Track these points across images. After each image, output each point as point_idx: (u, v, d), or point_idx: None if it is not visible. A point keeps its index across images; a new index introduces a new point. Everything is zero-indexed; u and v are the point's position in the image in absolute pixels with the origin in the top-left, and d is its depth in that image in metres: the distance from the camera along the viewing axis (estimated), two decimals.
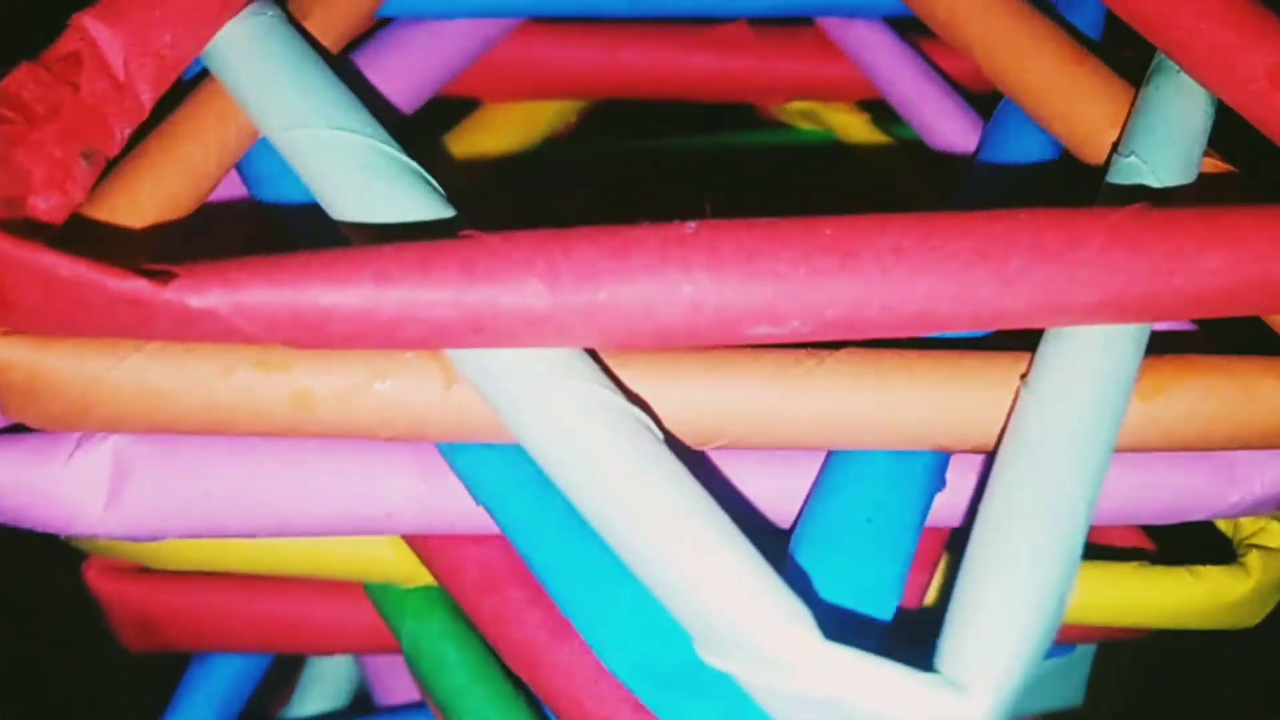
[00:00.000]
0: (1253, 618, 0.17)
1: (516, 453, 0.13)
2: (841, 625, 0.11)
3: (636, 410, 0.11)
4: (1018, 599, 0.10)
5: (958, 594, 0.11)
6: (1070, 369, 0.12)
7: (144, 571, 0.18)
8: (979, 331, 0.13)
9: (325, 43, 0.16)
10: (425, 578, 0.17)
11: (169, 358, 0.13)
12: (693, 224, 0.11)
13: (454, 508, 0.14)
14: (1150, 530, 0.18)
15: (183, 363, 0.13)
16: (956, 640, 0.10)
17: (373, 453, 0.14)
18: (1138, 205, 0.12)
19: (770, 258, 0.11)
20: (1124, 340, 0.12)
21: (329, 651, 0.19)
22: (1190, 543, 0.17)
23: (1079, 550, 0.11)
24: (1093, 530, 0.18)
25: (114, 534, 0.15)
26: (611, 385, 0.11)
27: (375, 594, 0.17)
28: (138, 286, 0.10)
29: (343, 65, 0.17)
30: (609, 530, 0.11)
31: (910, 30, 0.20)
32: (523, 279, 0.11)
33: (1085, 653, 0.22)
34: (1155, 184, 0.14)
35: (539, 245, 0.11)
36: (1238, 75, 0.14)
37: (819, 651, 0.10)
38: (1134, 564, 0.16)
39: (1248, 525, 0.17)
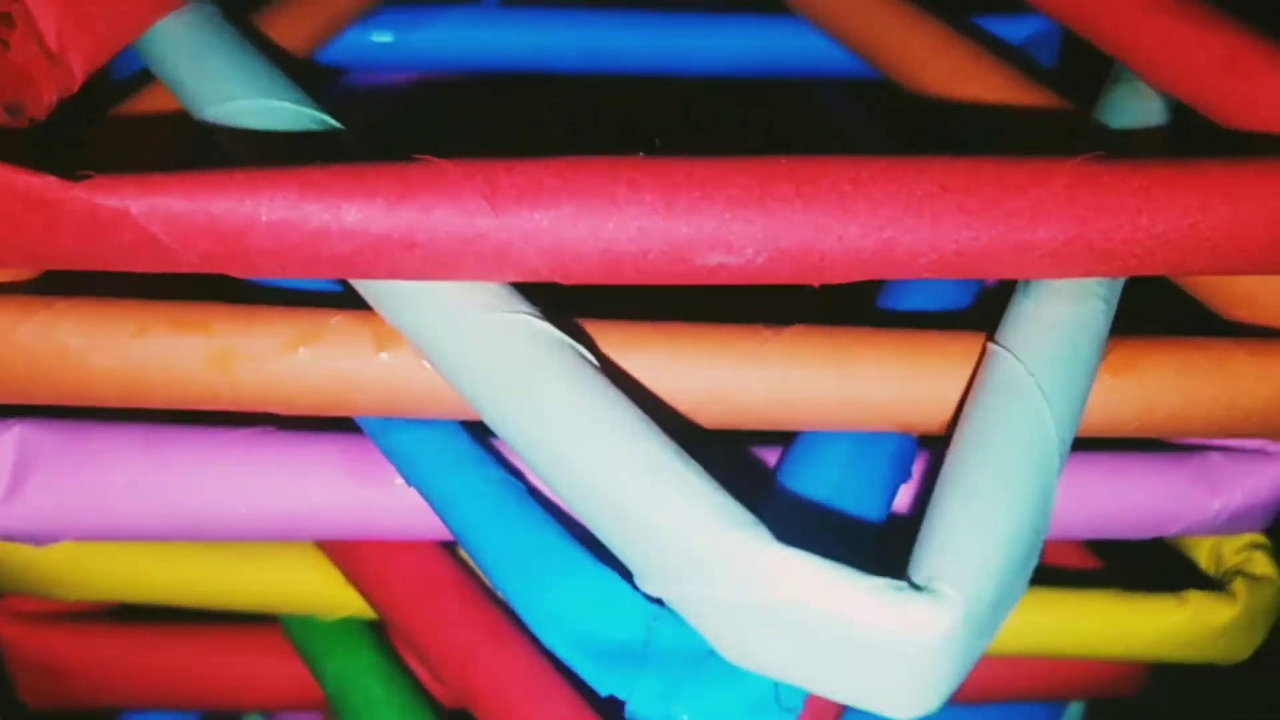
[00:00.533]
0: (1241, 650, 0.16)
1: (448, 428, 0.13)
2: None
3: (569, 339, 0.11)
4: (992, 512, 0.09)
5: (932, 508, 0.10)
6: (1041, 317, 0.12)
7: (52, 617, 0.17)
8: (941, 279, 0.12)
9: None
10: (347, 607, 0.15)
11: (79, 315, 0.12)
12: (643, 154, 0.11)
13: (383, 506, 0.13)
14: (1129, 564, 0.17)
15: (94, 320, 0.12)
16: (927, 550, 0.09)
17: (297, 445, 0.13)
18: (1102, 152, 0.11)
19: (724, 183, 0.11)
20: (1093, 297, 0.12)
21: (249, 706, 0.17)
22: (1171, 577, 0.16)
23: (1055, 471, 0.10)
24: (1069, 554, 0.18)
25: (10, 531, 0.13)
26: (542, 314, 0.11)
27: (297, 633, 0.16)
28: (45, 182, 0.10)
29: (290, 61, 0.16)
30: (545, 461, 0.10)
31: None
32: (462, 192, 0.10)
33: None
34: None
35: (482, 165, 0.10)
36: (1191, 67, 0.14)
37: (774, 555, 0.09)
38: (1114, 590, 0.15)
39: (1231, 555, 0.16)
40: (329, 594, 0.15)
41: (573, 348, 0.10)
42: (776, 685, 0.10)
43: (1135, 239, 0.11)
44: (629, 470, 0.10)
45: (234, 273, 0.11)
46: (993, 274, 0.11)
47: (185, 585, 0.15)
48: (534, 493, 0.12)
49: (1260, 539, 0.16)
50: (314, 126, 0.13)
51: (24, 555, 0.15)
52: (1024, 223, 0.11)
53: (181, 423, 0.13)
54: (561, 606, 0.11)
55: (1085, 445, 0.13)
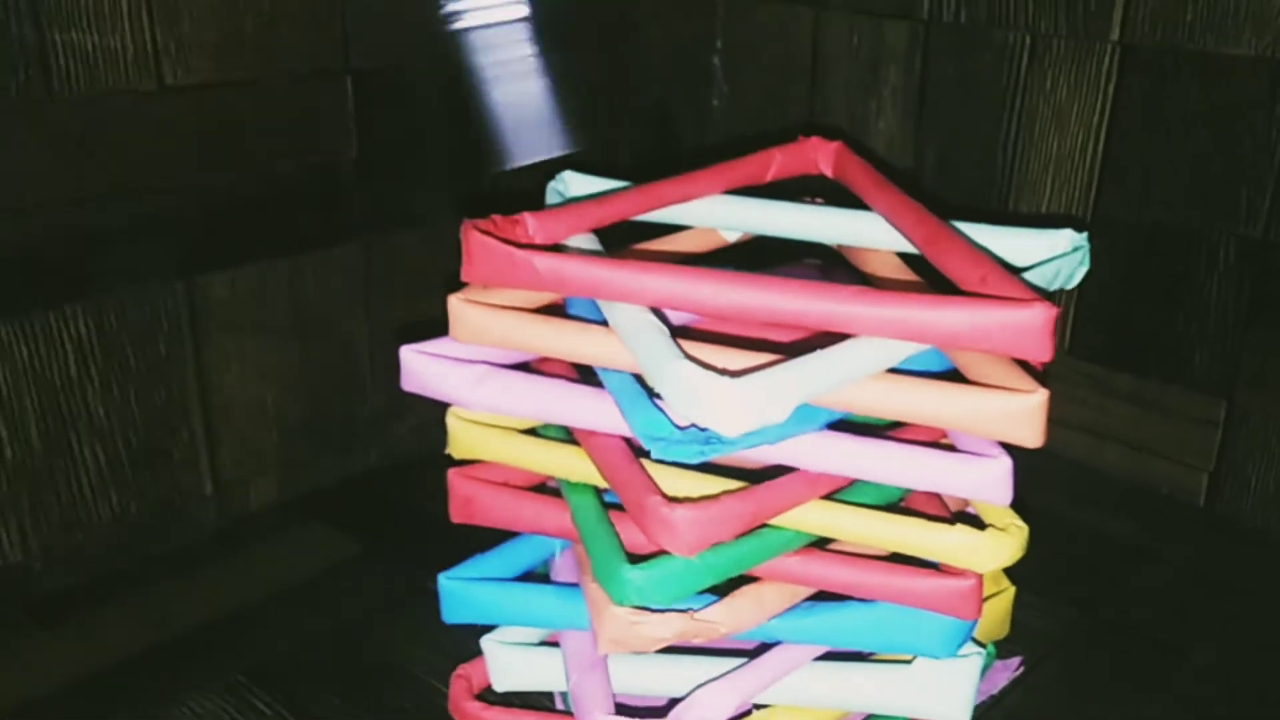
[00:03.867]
0: (984, 563, 0.32)
1: (620, 375, 0.33)
2: None
3: (651, 316, 0.31)
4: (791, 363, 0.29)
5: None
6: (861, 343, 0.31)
7: (472, 476, 0.38)
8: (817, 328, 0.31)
9: None
10: (589, 477, 0.36)
11: (527, 319, 0.34)
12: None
13: (605, 413, 0.34)
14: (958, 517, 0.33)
15: (538, 324, 0.34)
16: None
17: (577, 387, 0.35)
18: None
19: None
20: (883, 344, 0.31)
21: (551, 534, 0.37)
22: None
23: (842, 364, 0.29)
24: (931, 504, 0.34)
25: (475, 405, 0.35)
26: (647, 310, 0.32)
27: (566, 490, 0.36)
28: (508, 249, 0.32)
29: None
30: (637, 350, 0.31)
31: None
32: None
33: (970, 665, 0.35)
34: None
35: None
36: (967, 279, 0.33)
37: (686, 367, 0.29)
38: (928, 520, 0.32)
39: (986, 515, 0.33)
40: (581, 468, 0.36)
41: (652, 316, 0.31)
42: (705, 432, 0.30)
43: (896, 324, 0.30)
44: (651, 350, 0.30)
45: (561, 292, 0.33)
46: (847, 329, 0.31)
47: (533, 459, 0.37)
48: (638, 379, 0.32)
49: (1006, 511, 0.33)
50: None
51: (463, 431, 0.37)
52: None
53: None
54: (642, 420, 0.31)
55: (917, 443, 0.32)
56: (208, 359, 0.51)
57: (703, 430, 0.30)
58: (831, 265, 0.45)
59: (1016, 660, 0.45)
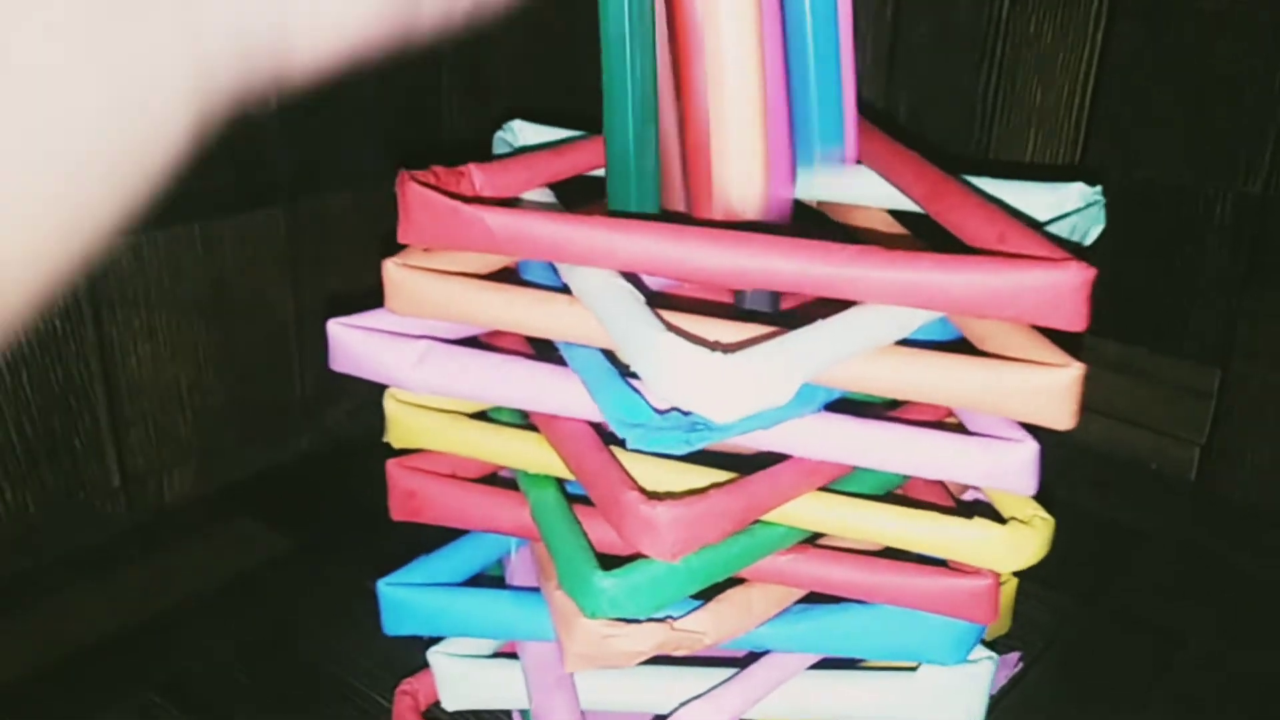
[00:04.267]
0: (1007, 561, 0.28)
1: (585, 351, 0.29)
2: None
3: (624, 281, 0.27)
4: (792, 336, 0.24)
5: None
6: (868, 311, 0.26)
7: (414, 467, 0.34)
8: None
9: None
10: (547, 466, 0.31)
11: (475, 286, 0.29)
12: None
13: (567, 392, 0.29)
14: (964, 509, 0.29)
15: (489, 291, 0.29)
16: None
17: (536, 365, 0.30)
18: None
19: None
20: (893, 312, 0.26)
21: (505, 531, 0.33)
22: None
23: (848, 336, 0.25)
24: (935, 493, 0.30)
25: (416, 387, 0.31)
26: (617, 275, 0.27)
27: (524, 483, 0.32)
28: (453, 203, 0.27)
29: None
30: (609, 322, 0.26)
31: None
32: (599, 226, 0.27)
33: (981, 672, 0.32)
34: None
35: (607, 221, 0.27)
36: (981, 238, 0.29)
37: (668, 339, 0.24)
38: (943, 514, 0.28)
39: (1007, 508, 0.28)
40: (540, 457, 0.31)
41: (623, 284, 0.27)
42: (691, 417, 0.25)
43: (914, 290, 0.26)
44: (633, 324, 0.25)
45: (517, 254, 0.28)
46: (849, 295, 0.26)
47: (478, 446, 0.32)
48: (609, 356, 0.28)
49: (1027, 501, 0.29)
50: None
51: (404, 417, 0.32)
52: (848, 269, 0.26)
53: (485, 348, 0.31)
54: (616, 404, 0.27)
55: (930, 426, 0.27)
56: (111, 336, 0.45)
57: (686, 415, 0.26)
58: (811, 224, 0.41)
59: (1015, 656, 0.41)
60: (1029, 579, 0.42)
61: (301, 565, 0.46)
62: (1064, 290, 0.26)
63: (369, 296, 0.32)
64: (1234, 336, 0.51)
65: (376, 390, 0.33)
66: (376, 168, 0.52)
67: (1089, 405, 0.56)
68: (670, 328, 0.25)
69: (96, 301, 0.44)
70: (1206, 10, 0.48)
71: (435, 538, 0.35)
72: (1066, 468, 0.55)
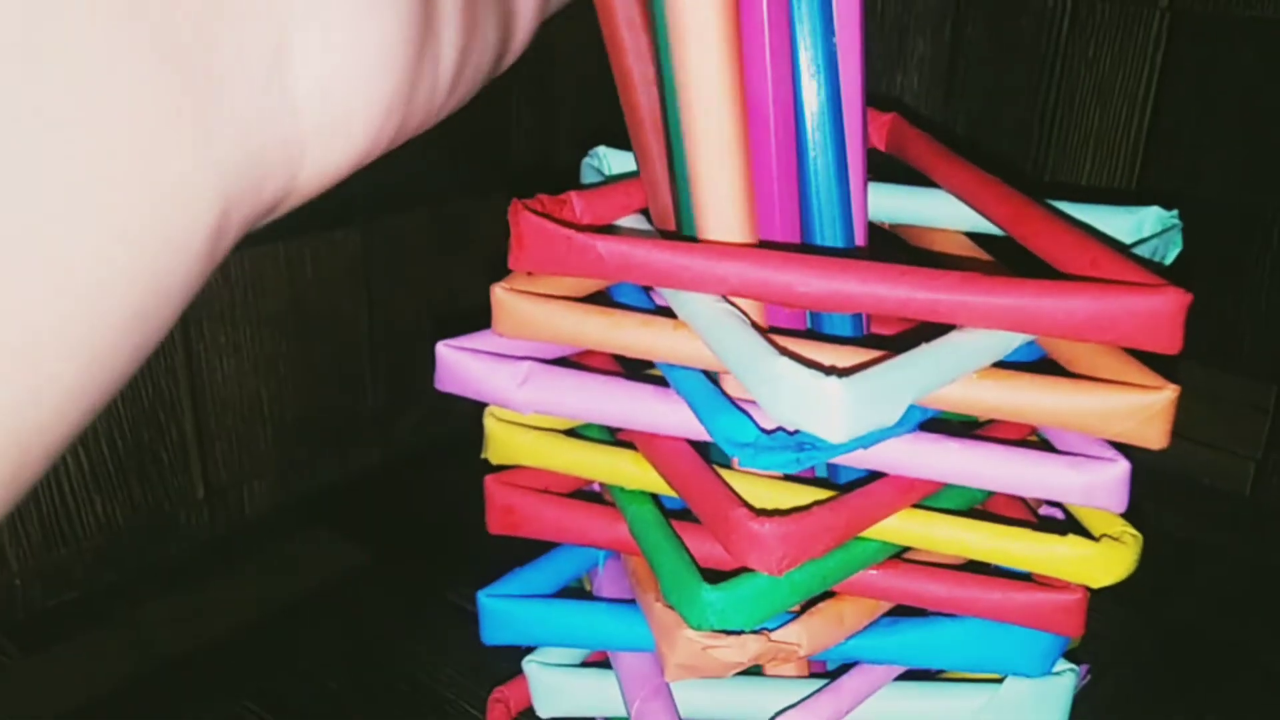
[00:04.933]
0: (1100, 576, 0.29)
1: (688, 372, 0.30)
2: None
3: (733, 309, 0.28)
4: (900, 360, 0.25)
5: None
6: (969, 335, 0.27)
7: (512, 483, 0.35)
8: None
9: None
10: (645, 483, 0.32)
11: (582, 310, 0.30)
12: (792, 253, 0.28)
13: (672, 413, 0.30)
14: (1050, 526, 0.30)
15: (596, 315, 0.30)
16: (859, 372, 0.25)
17: (638, 386, 0.31)
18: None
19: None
20: (994, 336, 0.27)
21: (601, 545, 0.34)
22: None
23: (951, 359, 0.26)
24: (1019, 509, 0.31)
25: (521, 407, 0.32)
26: (725, 301, 0.28)
27: (620, 498, 0.33)
28: (572, 234, 0.29)
29: None
30: (719, 347, 0.27)
31: None
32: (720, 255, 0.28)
33: (1064, 684, 0.32)
34: None
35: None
36: (1072, 263, 0.30)
37: (784, 364, 0.25)
38: (1034, 529, 0.29)
39: (1096, 525, 0.29)
40: (638, 474, 0.32)
41: (734, 311, 0.28)
42: (798, 436, 0.26)
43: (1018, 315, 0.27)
44: (746, 348, 0.26)
45: (625, 280, 0.29)
46: (951, 320, 0.27)
47: (578, 463, 0.33)
48: (714, 381, 0.29)
49: (1115, 518, 0.30)
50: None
51: (504, 435, 0.33)
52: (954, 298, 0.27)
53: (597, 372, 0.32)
54: (725, 425, 0.28)
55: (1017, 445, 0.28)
56: (199, 352, 0.47)
57: (792, 434, 0.27)
58: (887, 246, 0.42)
59: (1084, 668, 0.42)
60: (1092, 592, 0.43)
61: (377, 574, 0.47)
62: (1162, 315, 0.27)
63: (434, 311, 0.33)
64: None
65: (441, 402, 0.34)
66: (446, 186, 0.54)
67: None
68: (784, 352, 0.26)
69: (185, 318, 0.46)
70: (1267, 36, 0.49)
71: (508, 547, 0.36)
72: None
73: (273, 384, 0.50)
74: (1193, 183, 0.53)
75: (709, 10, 0.27)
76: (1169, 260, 0.35)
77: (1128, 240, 0.36)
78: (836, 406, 0.25)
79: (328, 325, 0.51)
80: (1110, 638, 0.44)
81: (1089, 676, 0.42)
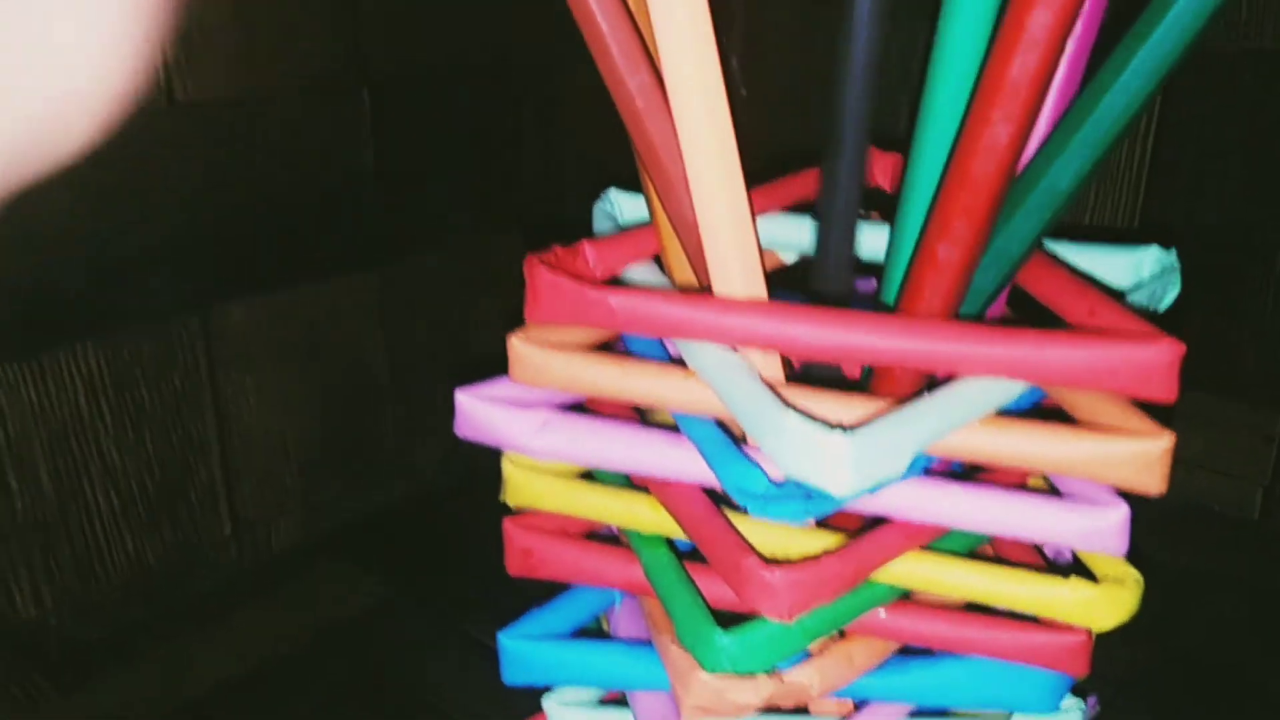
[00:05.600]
0: (1103, 620, 0.30)
1: (701, 422, 0.31)
2: None
3: (738, 357, 0.29)
4: (905, 412, 0.26)
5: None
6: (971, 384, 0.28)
7: (529, 526, 0.36)
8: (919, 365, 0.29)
9: None
10: (659, 528, 0.33)
11: (596, 360, 0.31)
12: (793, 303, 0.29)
13: (685, 460, 0.31)
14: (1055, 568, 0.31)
15: (611, 365, 0.31)
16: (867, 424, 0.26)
17: (652, 434, 0.32)
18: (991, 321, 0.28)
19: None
20: (996, 385, 0.28)
21: (617, 587, 0.35)
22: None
23: (955, 408, 0.27)
24: (1026, 553, 0.32)
25: (538, 453, 0.33)
26: (734, 352, 0.29)
27: (635, 542, 0.34)
28: (580, 285, 0.30)
29: None
30: (729, 398, 0.28)
31: None
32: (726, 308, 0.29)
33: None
34: None
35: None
36: (1071, 310, 0.30)
37: (792, 417, 0.26)
38: (1040, 572, 0.30)
39: (1098, 567, 0.30)
40: (652, 518, 0.33)
41: (741, 362, 0.29)
42: (808, 488, 0.27)
43: (1011, 363, 0.28)
44: (752, 397, 0.27)
45: (636, 332, 0.30)
46: (953, 370, 0.28)
47: (594, 508, 0.34)
48: (724, 428, 0.30)
49: (1117, 560, 0.30)
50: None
51: (522, 479, 0.34)
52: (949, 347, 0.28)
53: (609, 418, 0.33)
54: (735, 475, 0.29)
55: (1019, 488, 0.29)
56: (225, 392, 0.48)
57: (800, 485, 0.28)
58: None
59: (1093, 700, 0.43)
60: None
61: (398, 608, 0.48)
62: (1157, 366, 0.28)
63: (450, 346, 0.34)
64: None
65: (460, 440, 0.35)
66: (460, 227, 0.55)
67: None
68: (789, 405, 0.27)
69: (213, 362, 0.47)
70: (1265, 67, 0.50)
71: (523, 582, 0.37)
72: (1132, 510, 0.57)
73: (296, 424, 0.51)
74: (1194, 212, 0.54)
75: (712, 73, 0.28)
76: (1167, 301, 0.36)
77: (1127, 282, 0.37)
78: (842, 461, 0.26)
79: (349, 366, 0.52)
80: (1118, 667, 0.45)
81: (1097, 709, 0.42)
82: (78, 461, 0.44)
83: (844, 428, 0.26)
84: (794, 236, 0.41)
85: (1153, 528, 0.57)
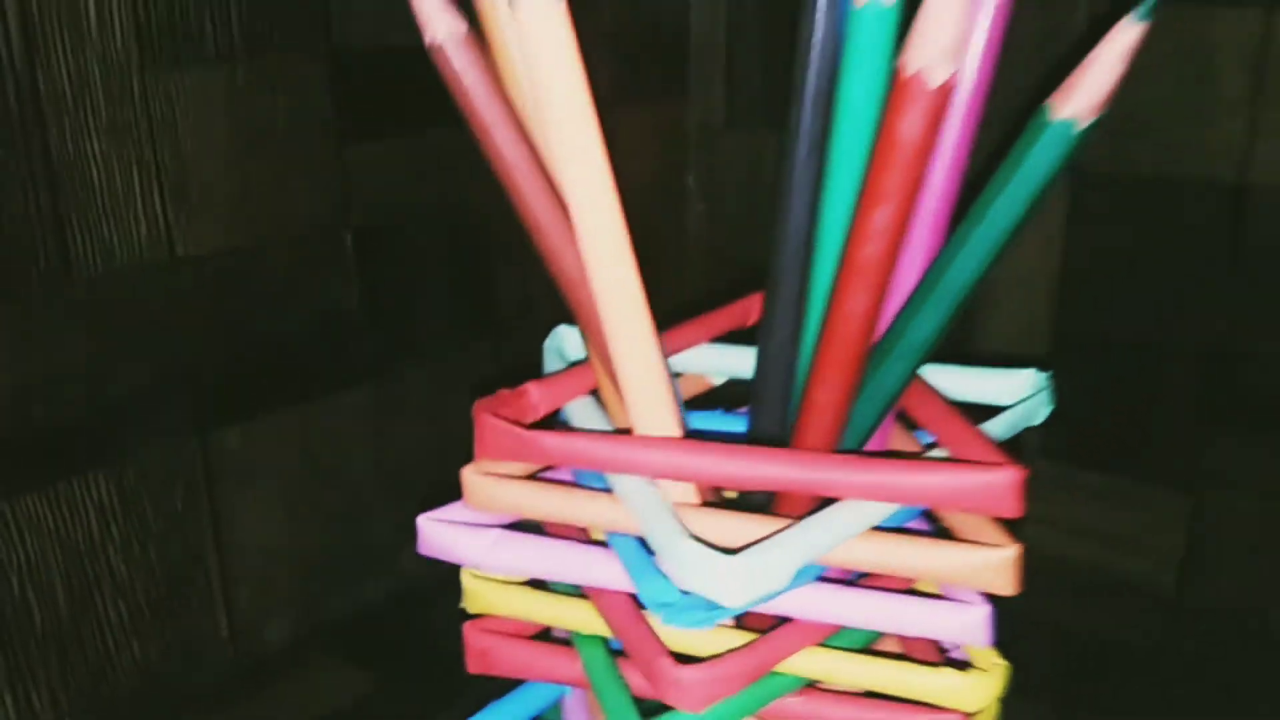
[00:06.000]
0: (971, 704, 0.35)
1: (625, 538, 0.36)
2: None
3: (651, 487, 0.34)
4: (789, 532, 0.31)
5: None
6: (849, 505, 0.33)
7: (486, 629, 0.41)
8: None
9: None
10: (598, 629, 0.38)
11: (538, 489, 0.37)
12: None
13: (610, 571, 0.37)
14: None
15: (548, 493, 0.37)
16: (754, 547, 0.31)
17: (586, 549, 0.37)
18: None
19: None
20: (871, 506, 0.34)
21: (563, 682, 0.40)
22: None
23: (835, 526, 0.32)
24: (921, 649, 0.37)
25: (490, 569, 0.38)
26: (650, 482, 0.34)
27: (577, 642, 0.39)
28: (520, 431, 0.35)
29: None
30: (642, 523, 0.33)
31: None
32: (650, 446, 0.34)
33: None
34: None
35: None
36: (943, 434, 0.36)
37: (689, 545, 0.31)
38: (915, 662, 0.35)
39: (974, 658, 0.35)
40: (590, 622, 0.38)
41: (654, 489, 0.34)
42: (707, 601, 0.32)
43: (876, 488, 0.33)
44: (653, 523, 0.33)
45: (569, 466, 0.35)
46: (832, 494, 0.33)
47: (544, 613, 0.39)
48: (642, 544, 0.35)
49: (989, 651, 0.35)
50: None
51: (478, 589, 0.40)
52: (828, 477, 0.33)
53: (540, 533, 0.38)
54: (649, 588, 0.34)
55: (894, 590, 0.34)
56: (222, 508, 0.53)
57: (705, 600, 0.33)
58: None
59: None
60: (1025, 692, 0.49)
61: (385, 702, 0.53)
62: (1000, 489, 0.33)
63: (438, 462, 0.40)
64: (1199, 469, 0.58)
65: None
66: (440, 349, 0.61)
67: (1077, 529, 0.62)
68: (687, 530, 0.32)
69: (211, 481, 0.52)
70: (1160, 193, 0.56)
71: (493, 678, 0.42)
72: (1058, 586, 0.62)
73: (288, 531, 0.56)
74: (1106, 320, 0.59)
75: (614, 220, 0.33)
76: (1040, 417, 0.42)
77: (1007, 401, 0.42)
78: (729, 580, 0.31)
79: (339, 478, 0.58)
80: None
81: None
82: (89, 579, 0.49)
83: (732, 550, 0.32)
84: (723, 364, 0.47)
85: (1075, 601, 0.62)
